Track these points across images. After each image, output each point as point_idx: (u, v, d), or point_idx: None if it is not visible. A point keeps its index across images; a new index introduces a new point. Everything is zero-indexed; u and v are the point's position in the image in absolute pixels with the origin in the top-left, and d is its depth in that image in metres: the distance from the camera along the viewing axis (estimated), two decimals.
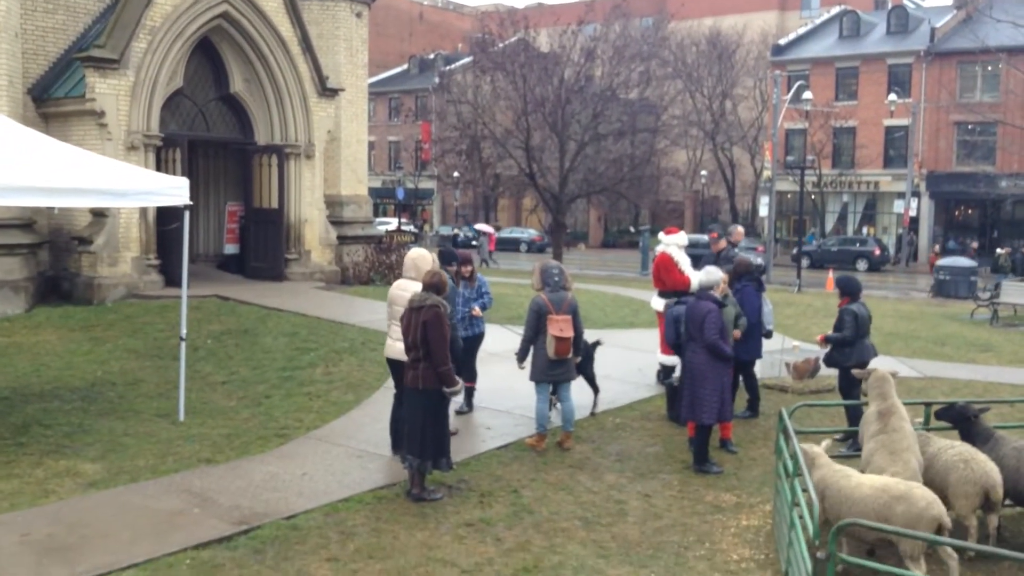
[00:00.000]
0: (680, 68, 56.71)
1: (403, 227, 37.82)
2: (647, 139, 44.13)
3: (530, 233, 56.14)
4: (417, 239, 34.51)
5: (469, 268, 10.55)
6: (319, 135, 19.79)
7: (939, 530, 6.08)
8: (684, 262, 11.81)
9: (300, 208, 19.59)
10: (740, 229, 15.32)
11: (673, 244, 11.84)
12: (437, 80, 59.67)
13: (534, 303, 9.45)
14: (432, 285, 7.98)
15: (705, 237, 18.09)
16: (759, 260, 36.50)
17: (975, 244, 44.31)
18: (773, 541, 7.14)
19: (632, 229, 59.98)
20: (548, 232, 43.79)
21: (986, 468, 6.85)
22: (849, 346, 9.79)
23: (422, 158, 58.99)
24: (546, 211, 39.84)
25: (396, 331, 8.52)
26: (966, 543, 6.47)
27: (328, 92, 19.92)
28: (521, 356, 9.61)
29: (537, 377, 9.52)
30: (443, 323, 7.77)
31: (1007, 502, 7.30)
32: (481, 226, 46.26)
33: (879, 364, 8.61)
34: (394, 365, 8.76)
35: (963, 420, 7.55)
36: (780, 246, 48.13)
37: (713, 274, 9.37)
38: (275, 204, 19.31)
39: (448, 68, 59.62)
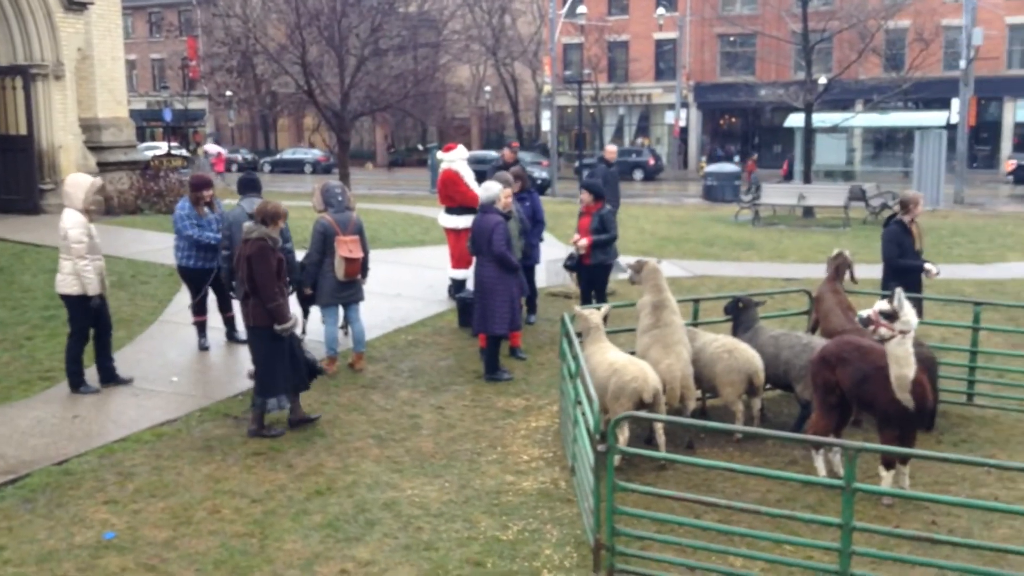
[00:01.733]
0: None
1: (173, 151, 35.48)
2: (429, 54, 43.55)
3: (314, 154, 54.41)
4: (189, 163, 32.51)
5: (210, 192, 10.01)
6: (68, 53, 18.05)
7: (641, 404, 6.59)
8: (468, 176, 11.83)
9: (52, 134, 17.91)
10: (612, 148, 15.57)
11: (456, 160, 11.80)
12: None
13: (319, 224, 9.14)
14: (262, 215, 7.42)
15: (492, 153, 18.26)
16: (544, 174, 37.35)
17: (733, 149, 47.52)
18: (560, 439, 7.43)
19: (420, 147, 59.54)
20: (333, 152, 42.65)
21: (748, 355, 7.40)
22: (610, 244, 10.29)
23: (190, 77, 55.29)
24: (329, 130, 38.68)
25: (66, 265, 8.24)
26: (735, 426, 7.00)
27: (75, 6, 18.14)
28: (308, 279, 9.31)
29: (326, 300, 9.29)
30: (268, 257, 7.30)
31: (767, 386, 7.96)
32: (209, 147, 44.31)
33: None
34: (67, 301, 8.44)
35: (744, 310, 8.08)
36: (563, 160, 49.41)
37: (491, 189, 9.38)
38: (24, 130, 17.60)
39: None
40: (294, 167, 51.73)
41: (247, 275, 7.32)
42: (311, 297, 9.41)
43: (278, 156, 54.96)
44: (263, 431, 7.57)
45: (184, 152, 45.90)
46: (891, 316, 5.95)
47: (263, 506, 6.32)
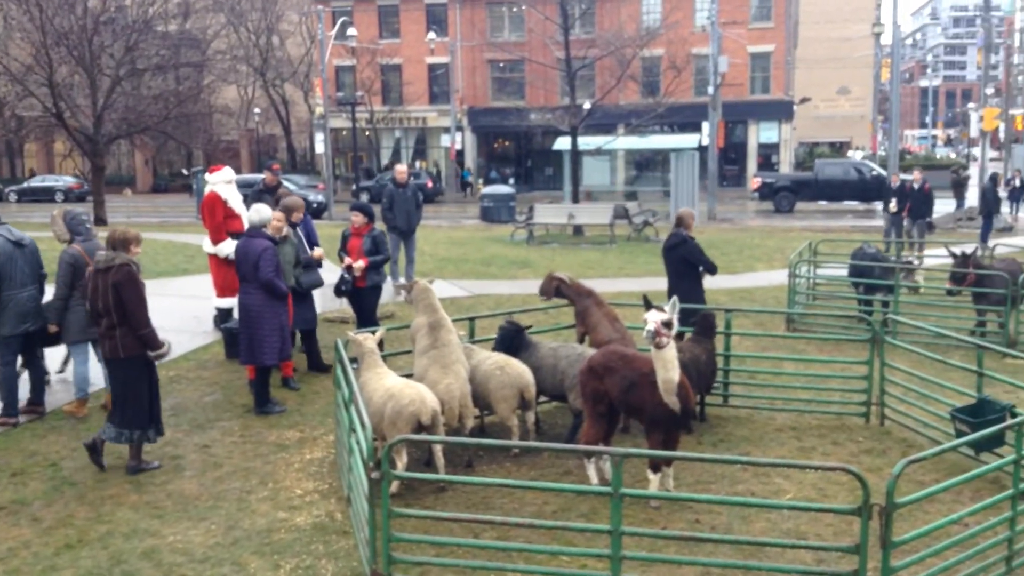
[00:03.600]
0: (221, 1, 54.16)
1: None
2: (192, 74, 41.76)
3: (67, 181, 50.45)
4: None
5: None
6: None
7: (419, 427, 6.55)
8: (234, 200, 11.29)
9: None
10: (401, 167, 15.10)
11: (220, 182, 11.24)
12: None
13: (67, 255, 8.42)
14: (116, 241, 7.14)
15: (260, 176, 17.59)
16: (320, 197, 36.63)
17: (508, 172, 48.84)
18: (337, 470, 7.18)
19: (185, 171, 56.74)
20: (87, 178, 39.80)
21: (519, 370, 7.50)
22: (383, 265, 10.27)
23: None
24: (82, 155, 36.10)
25: None
26: (510, 442, 7.04)
27: None
28: (56, 316, 8.50)
29: (74, 337, 8.54)
30: (137, 282, 7.09)
31: (545, 399, 8.10)
32: None
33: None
34: None
35: (513, 336, 8.13)
36: (340, 182, 48.75)
37: (263, 212, 9.04)
38: None
39: None
40: (44, 196, 47.68)
41: (115, 303, 6.96)
42: (56, 336, 8.60)
43: (25, 184, 50.50)
44: (143, 465, 7.31)
45: None
46: (669, 324, 6.21)
47: (4, 565, 5.69)
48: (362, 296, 10.23)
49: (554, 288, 8.87)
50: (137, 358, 7.14)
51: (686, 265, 9.58)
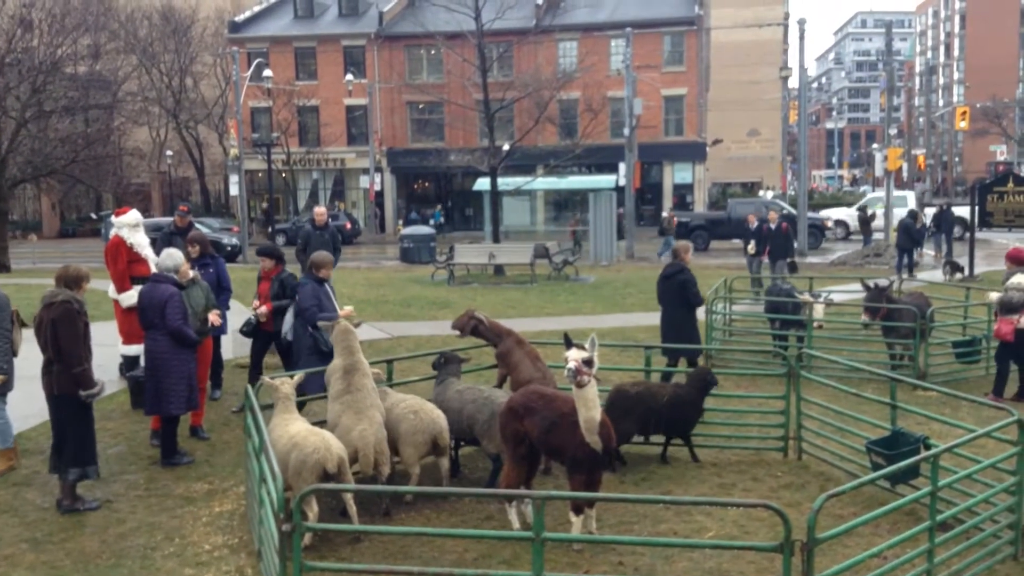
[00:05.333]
0: (133, 42, 53.21)
1: None
2: (102, 116, 40.70)
3: None
4: None
5: None
6: None
7: (325, 475, 6.34)
8: (141, 244, 10.89)
9: None
10: (320, 209, 14.65)
11: (125, 226, 10.82)
12: None
13: (2, 296, 8.06)
14: (67, 279, 7.18)
15: (169, 219, 17.12)
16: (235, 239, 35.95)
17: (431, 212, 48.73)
18: (247, 523, 6.88)
19: (93, 215, 55.15)
20: None
21: (433, 416, 7.33)
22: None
23: None
24: None
25: None
26: (424, 488, 6.85)
27: None
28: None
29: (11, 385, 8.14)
30: (75, 320, 7.03)
31: (461, 443, 7.93)
32: None
33: None
34: None
35: (445, 364, 8.21)
36: (255, 225, 47.97)
37: (175, 256, 8.74)
38: None
39: None
40: None
41: (51, 338, 7.00)
42: None
43: None
44: (77, 504, 7.23)
45: None
46: (590, 362, 6.14)
47: None
48: (266, 339, 9.97)
49: (471, 327, 8.76)
50: (72, 396, 7.11)
51: (681, 294, 10.07)
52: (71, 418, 7.18)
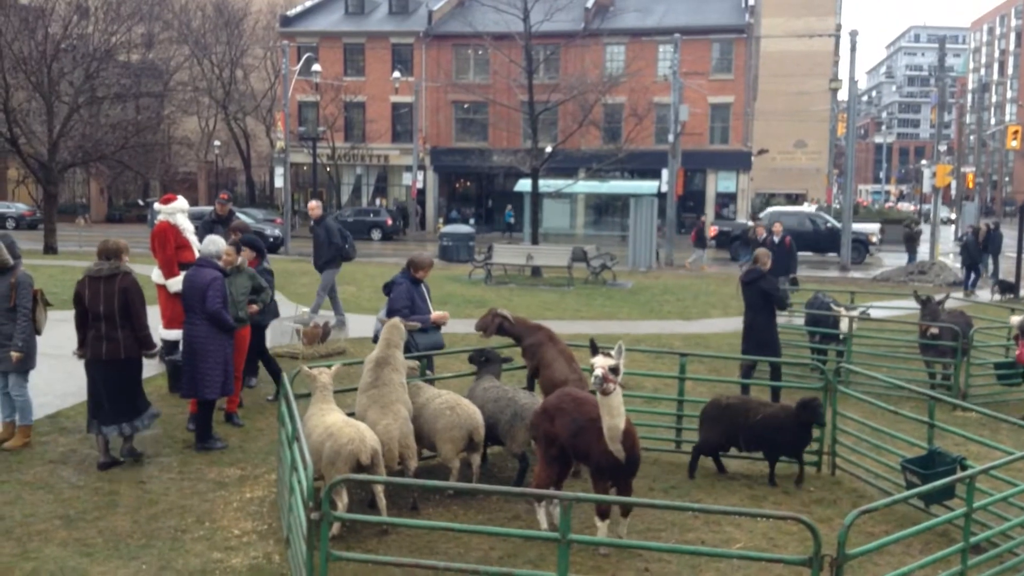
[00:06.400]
0: (186, 33, 54.03)
1: None
2: (153, 104, 41.38)
3: (19, 208, 49.61)
4: None
5: None
6: None
7: (359, 467, 6.35)
8: (187, 231, 11.04)
9: None
10: (314, 203, 14.89)
11: (177, 211, 10.96)
12: None
13: (29, 278, 8.35)
14: (110, 251, 7.75)
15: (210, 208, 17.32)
16: (277, 231, 36.31)
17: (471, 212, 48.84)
18: (277, 510, 6.94)
19: (140, 202, 56.04)
20: (40, 206, 39.07)
21: (469, 412, 7.33)
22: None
23: None
24: (36, 182, 35.45)
25: None
26: (453, 483, 6.86)
27: None
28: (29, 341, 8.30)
29: (34, 362, 8.44)
30: (141, 288, 7.77)
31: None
32: None
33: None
34: None
35: (486, 363, 8.23)
36: (299, 217, 48.44)
37: (217, 243, 8.87)
38: None
39: None
40: None
41: (121, 307, 7.63)
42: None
43: None
44: (136, 450, 8.08)
45: None
46: (616, 370, 6.10)
47: None
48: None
49: (496, 325, 8.72)
50: (136, 358, 7.88)
51: (763, 299, 10.16)
52: (132, 380, 7.92)
